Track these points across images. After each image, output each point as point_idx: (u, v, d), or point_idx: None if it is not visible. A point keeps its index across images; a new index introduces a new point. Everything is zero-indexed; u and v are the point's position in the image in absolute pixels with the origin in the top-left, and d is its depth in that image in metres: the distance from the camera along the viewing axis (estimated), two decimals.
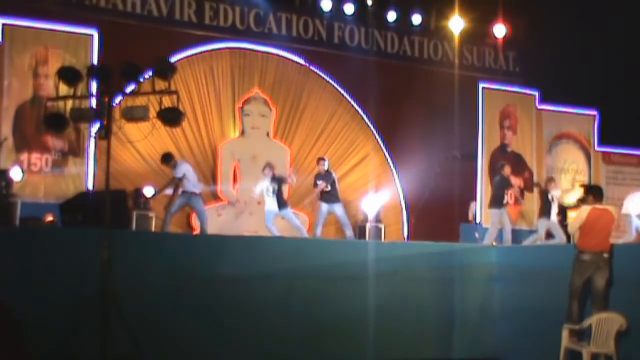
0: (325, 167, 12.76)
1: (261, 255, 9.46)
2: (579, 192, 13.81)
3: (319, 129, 15.46)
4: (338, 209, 12.65)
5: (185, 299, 8.81)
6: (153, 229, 12.25)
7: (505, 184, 13.17)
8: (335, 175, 12.84)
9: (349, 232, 12.65)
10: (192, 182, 11.94)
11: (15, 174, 11.34)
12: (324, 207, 12.60)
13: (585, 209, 9.06)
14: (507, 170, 13.40)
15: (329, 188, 12.56)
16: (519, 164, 15.96)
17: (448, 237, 12.33)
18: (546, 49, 16.29)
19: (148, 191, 12.57)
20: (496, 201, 13.06)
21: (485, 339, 10.43)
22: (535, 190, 14.54)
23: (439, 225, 14.00)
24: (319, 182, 12.68)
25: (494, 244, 11.98)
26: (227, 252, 9.33)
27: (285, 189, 12.75)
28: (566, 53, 15.92)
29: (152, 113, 8.24)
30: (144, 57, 8.52)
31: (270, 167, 12.56)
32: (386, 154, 15.91)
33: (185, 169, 11.97)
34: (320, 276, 9.58)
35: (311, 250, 9.97)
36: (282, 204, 12.43)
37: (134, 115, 8.18)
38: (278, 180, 12.46)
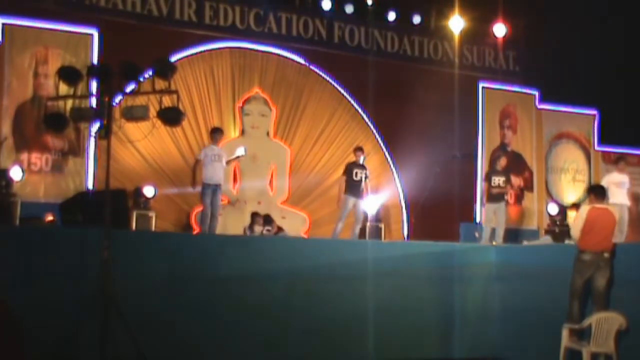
0: (361, 161, 12.42)
1: (261, 255, 9.46)
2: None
3: (319, 129, 15.45)
4: (361, 204, 12.33)
5: (185, 298, 8.80)
6: (153, 228, 12.24)
7: (496, 176, 12.68)
8: (367, 170, 12.55)
9: (357, 230, 12.36)
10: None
11: (15, 173, 11.35)
12: (351, 200, 12.14)
13: (585, 209, 9.05)
14: (502, 162, 12.98)
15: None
16: (519, 164, 15.99)
17: (448, 237, 12.32)
18: (546, 49, 16.30)
19: (148, 191, 12.57)
20: (489, 196, 12.69)
21: (485, 339, 10.43)
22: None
23: (439, 225, 13.99)
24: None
25: (494, 243, 11.96)
26: (227, 252, 9.33)
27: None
28: (566, 53, 15.93)
29: (152, 113, 8.25)
30: (144, 57, 8.53)
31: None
32: (386, 154, 15.91)
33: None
34: (321, 276, 9.57)
35: (311, 250, 9.96)
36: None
37: (134, 114, 8.19)
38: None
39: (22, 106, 12.29)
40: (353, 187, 12.17)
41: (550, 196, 16.15)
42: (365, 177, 12.32)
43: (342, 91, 15.67)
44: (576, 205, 13.49)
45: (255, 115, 14.97)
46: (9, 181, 11.14)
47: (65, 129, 9.25)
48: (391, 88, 15.62)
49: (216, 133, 12.05)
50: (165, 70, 8.33)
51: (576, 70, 15.65)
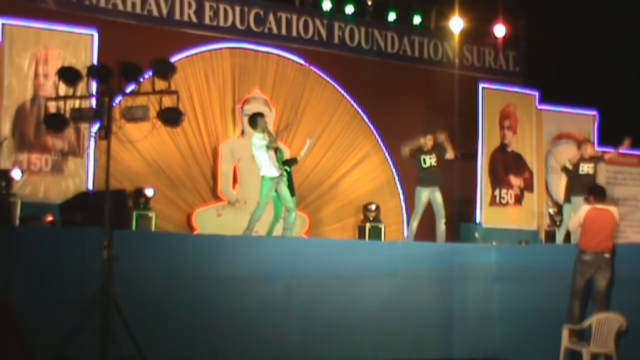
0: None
1: (261, 255, 9.47)
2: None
3: (319, 129, 15.43)
4: (438, 195, 11.49)
5: (185, 298, 8.81)
6: (153, 228, 12.24)
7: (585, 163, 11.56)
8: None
9: (442, 226, 11.62)
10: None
11: (15, 174, 11.35)
12: (424, 193, 11.42)
13: (584, 209, 9.07)
14: (589, 149, 11.82)
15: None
16: (519, 164, 15.99)
17: (448, 237, 12.32)
18: (546, 49, 16.30)
19: (148, 191, 12.57)
20: (574, 189, 11.53)
21: (485, 339, 10.43)
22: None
23: None
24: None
25: (494, 244, 11.95)
26: (227, 252, 9.34)
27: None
28: (566, 53, 15.93)
29: (152, 113, 8.26)
30: (144, 57, 8.53)
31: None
32: (386, 154, 15.90)
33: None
34: (320, 276, 9.58)
35: (311, 250, 9.97)
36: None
37: (134, 115, 8.20)
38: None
39: (22, 106, 12.27)
40: (425, 178, 11.56)
41: (550, 196, 16.15)
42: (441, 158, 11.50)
43: (342, 91, 15.67)
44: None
45: None
46: (9, 181, 11.14)
47: (65, 129, 9.27)
48: (391, 88, 15.61)
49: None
50: (165, 71, 8.35)
51: (576, 70, 15.64)
